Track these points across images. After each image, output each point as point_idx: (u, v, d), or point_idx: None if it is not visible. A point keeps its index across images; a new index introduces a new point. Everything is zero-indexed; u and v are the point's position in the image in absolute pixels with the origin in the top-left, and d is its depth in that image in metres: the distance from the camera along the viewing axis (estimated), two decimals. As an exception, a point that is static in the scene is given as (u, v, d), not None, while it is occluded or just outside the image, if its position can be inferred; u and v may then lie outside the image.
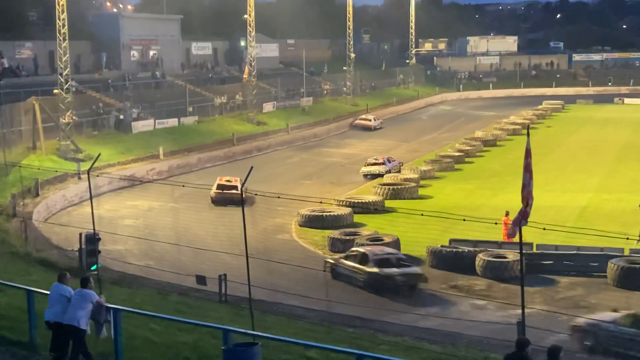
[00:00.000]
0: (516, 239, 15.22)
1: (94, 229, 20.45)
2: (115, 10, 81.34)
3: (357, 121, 69.22)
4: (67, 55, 45.37)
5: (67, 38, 44.93)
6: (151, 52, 68.27)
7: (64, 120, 44.93)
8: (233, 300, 21.29)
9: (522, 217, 14.30)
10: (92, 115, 50.47)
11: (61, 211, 35.59)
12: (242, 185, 17.04)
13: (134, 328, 13.72)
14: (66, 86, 45.50)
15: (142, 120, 52.92)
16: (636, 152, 51.86)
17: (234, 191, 35.30)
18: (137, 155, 46.76)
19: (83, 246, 23.84)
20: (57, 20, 44.48)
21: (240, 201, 17.51)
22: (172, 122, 55.22)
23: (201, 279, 22.22)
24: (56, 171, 36.31)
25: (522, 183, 14.50)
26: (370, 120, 68.99)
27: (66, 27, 44.70)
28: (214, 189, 36.91)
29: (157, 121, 53.69)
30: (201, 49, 78.00)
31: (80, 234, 24.12)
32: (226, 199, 35.55)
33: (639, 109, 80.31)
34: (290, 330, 17.34)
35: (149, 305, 18.23)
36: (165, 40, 69.94)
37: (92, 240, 21.78)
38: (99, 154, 26.02)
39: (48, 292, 12.36)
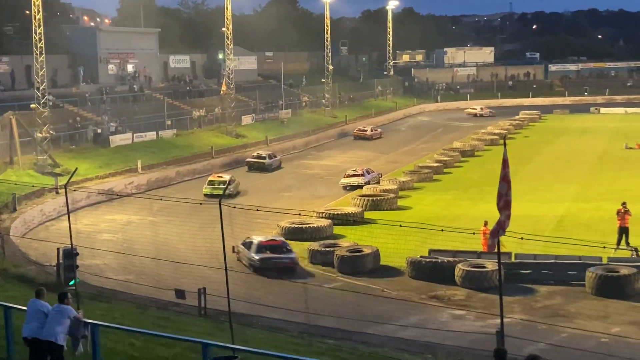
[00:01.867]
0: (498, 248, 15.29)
1: (71, 244, 20.32)
2: (92, 24, 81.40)
3: (355, 131, 70.38)
4: (44, 69, 45.20)
5: (44, 52, 44.77)
6: (129, 66, 68.10)
7: (41, 135, 44.68)
8: (212, 314, 21.22)
9: (500, 227, 14.33)
10: (70, 129, 50.24)
11: (39, 226, 35.35)
12: (221, 196, 17.03)
13: (113, 343, 13.66)
14: (43, 100, 45.29)
15: (120, 134, 52.73)
16: (613, 161, 52.36)
17: (222, 186, 39.64)
18: (115, 169, 46.55)
19: (61, 261, 23.63)
20: (34, 35, 44.32)
21: (230, 195, 17.64)
22: (151, 135, 55.07)
23: (180, 293, 22.14)
24: (33, 186, 36.05)
25: (499, 192, 14.52)
26: (367, 131, 70.02)
27: (43, 41, 44.55)
28: (205, 185, 41.68)
29: (135, 135, 53.52)
30: (179, 62, 77.92)
31: (58, 249, 23.91)
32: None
33: (615, 119, 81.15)
34: (270, 343, 17.30)
35: (128, 320, 18.13)
36: (143, 54, 69.81)
37: (70, 255, 21.60)
38: (77, 169, 25.87)
39: (25, 308, 12.28)
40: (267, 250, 27.83)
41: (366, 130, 70.27)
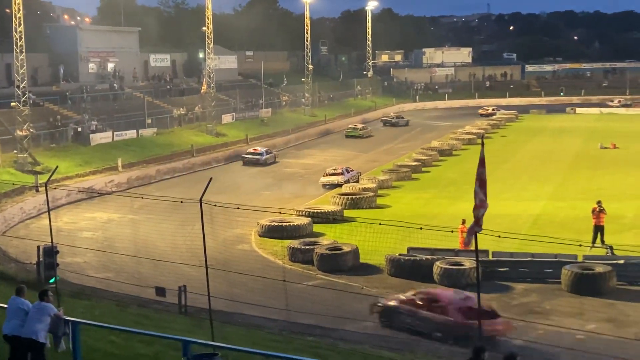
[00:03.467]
0: (472, 246, 15.48)
1: (52, 242, 20.31)
2: (72, 22, 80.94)
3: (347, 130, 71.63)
4: (25, 67, 45.01)
5: (24, 51, 44.58)
6: (109, 65, 67.85)
7: (21, 133, 44.50)
8: (193, 312, 21.29)
9: (476, 224, 14.55)
10: (50, 127, 50.05)
11: (19, 224, 35.25)
12: (202, 196, 17.16)
13: (93, 340, 13.68)
14: (23, 99, 45.10)
15: (101, 133, 52.61)
16: (588, 160, 52.91)
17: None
18: (96, 167, 46.48)
19: (41, 259, 23.66)
20: (14, 33, 44.10)
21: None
22: (131, 134, 54.97)
23: (161, 291, 22.18)
24: (13, 184, 35.92)
25: (474, 190, 14.74)
26: (358, 129, 71.16)
27: (23, 39, 44.36)
28: None
29: (115, 133, 53.41)
30: (159, 60, 77.78)
31: (38, 247, 23.91)
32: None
33: (590, 119, 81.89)
34: (250, 340, 17.42)
35: (108, 317, 18.16)
36: (124, 53, 69.58)
37: (50, 253, 21.61)
38: (57, 167, 25.80)
39: (5, 306, 12.30)
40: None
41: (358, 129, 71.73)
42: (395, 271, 26.40)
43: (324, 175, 45.63)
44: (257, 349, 12.92)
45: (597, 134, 64.66)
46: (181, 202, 25.63)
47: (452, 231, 22.42)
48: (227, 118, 67.28)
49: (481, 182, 14.50)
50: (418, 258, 26.44)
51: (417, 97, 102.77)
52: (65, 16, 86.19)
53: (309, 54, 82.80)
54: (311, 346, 17.72)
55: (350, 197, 38.57)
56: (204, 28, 64.75)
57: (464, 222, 26.53)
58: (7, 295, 13.08)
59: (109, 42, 68.43)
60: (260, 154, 54.66)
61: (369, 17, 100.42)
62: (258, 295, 23.62)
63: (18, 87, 45.01)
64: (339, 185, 43.27)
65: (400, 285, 25.32)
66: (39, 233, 28.29)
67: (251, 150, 55.81)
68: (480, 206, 14.32)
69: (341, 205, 37.56)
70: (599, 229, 28.67)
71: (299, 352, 15.61)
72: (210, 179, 16.46)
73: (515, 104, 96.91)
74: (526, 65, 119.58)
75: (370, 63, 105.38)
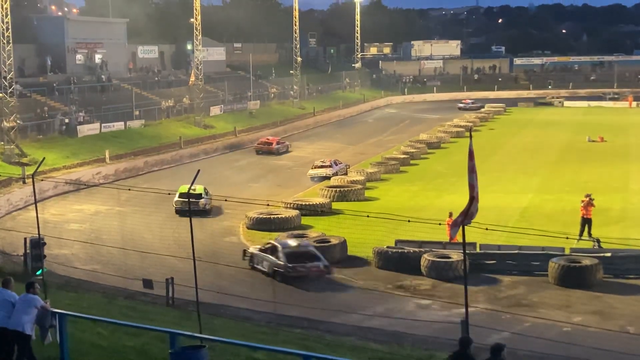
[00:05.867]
0: (460, 238, 15.48)
1: (39, 234, 20.28)
2: (60, 13, 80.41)
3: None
4: (11, 58, 44.75)
5: (11, 41, 44.32)
6: (97, 56, 67.54)
7: (8, 124, 44.26)
8: (180, 304, 21.30)
9: (465, 217, 14.52)
10: (37, 119, 49.79)
11: (6, 216, 35.08)
12: (189, 189, 17.15)
13: (81, 333, 13.68)
14: (10, 90, 44.85)
15: (88, 124, 52.41)
16: (575, 153, 53.11)
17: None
18: (83, 159, 46.31)
19: (28, 251, 23.58)
20: (1, 24, 43.83)
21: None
22: (119, 125, 54.76)
23: (148, 283, 22.18)
24: (0, 175, 35.77)
25: (470, 183, 14.70)
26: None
27: (10, 30, 44.08)
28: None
29: (103, 125, 53.20)
30: (147, 52, 77.48)
31: (25, 239, 23.86)
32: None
33: (578, 112, 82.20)
34: (237, 333, 17.45)
35: (95, 309, 18.13)
36: (111, 44, 69.26)
37: (37, 244, 21.55)
38: (44, 158, 25.76)
39: (-8, 298, 12.26)
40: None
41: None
42: (383, 264, 26.43)
43: (312, 168, 45.61)
44: (245, 341, 12.96)
45: (585, 127, 64.93)
46: (168, 194, 25.43)
47: (439, 224, 22.51)
48: (215, 110, 67.15)
49: (475, 175, 14.48)
50: (406, 250, 26.48)
51: (406, 89, 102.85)
52: (53, 7, 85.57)
53: (298, 46, 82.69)
54: (299, 338, 17.76)
55: (338, 189, 38.59)
56: (192, 19, 64.53)
57: (451, 214, 26.50)
58: (-6, 287, 13.02)
59: (96, 33, 68.05)
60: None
61: (357, 10, 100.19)
62: (245, 288, 23.65)
63: (5, 78, 44.74)
64: (327, 177, 43.27)
65: (388, 278, 25.41)
66: (25, 225, 28.25)
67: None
68: (475, 197, 14.29)
69: (329, 197, 37.57)
70: (586, 222, 28.74)
71: (286, 344, 15.63)
72: (198, 171, 16.43)
73: (504, 97, 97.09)
74: (514, 59, 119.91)
75: (359, 55, 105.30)
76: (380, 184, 42.94)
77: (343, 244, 27.78)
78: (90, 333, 14.07)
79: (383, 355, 16.92)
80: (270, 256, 25.53)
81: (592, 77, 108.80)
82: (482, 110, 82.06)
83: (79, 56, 65.98)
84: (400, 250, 26.58)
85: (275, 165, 51.61)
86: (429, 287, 24.57)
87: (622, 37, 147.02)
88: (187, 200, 34.69)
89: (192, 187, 16.39)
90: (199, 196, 34.19)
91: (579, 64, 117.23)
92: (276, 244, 25.98)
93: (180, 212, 33.75)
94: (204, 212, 34.18)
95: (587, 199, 28.94)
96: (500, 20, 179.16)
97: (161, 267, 24.06)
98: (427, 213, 29.32)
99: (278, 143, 56.52)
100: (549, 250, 25.55)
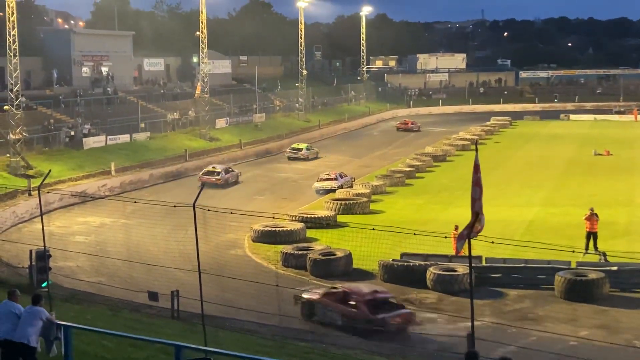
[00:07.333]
0: (466, 251, 15.45)
1: (44, 246, 20.27)
2: (66, 26, 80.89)
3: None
4: (18, 71, 44.95)
5: (17, 54, 44.53)
6: (103, 69, 67.81)
7: (14, 137, 44.40)
8: (185, 317, 21.24)
9: (472, 231, 14.48)
10: (43, 131, 49.92)
11: (11, 228, 35.13)
12: (195, 201, 17.15)
13: (86, 345, 13.67)
14: (16, 102, 45.02)
15: (94, 137, 52.51)
16: (581, 166, 53.04)
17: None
18: (89, 171, 46.37)
19: (33, 263, 23.60)
20: (8, 36, 44.05)
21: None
22: (124, 138, 54.88)
23: (153, 295, 22.12)
24: (6, 187, 35.88)
25: (472, 197, 14.69)
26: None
27: (17, 43, 44.31)
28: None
29: (108, 137, 53.31)
30: (153, 65, 77.73)
31: (31, 251, 23.87)
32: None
33: (583, 125, 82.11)
34: (242, 346, 17.41)
35: (101, 322, 18.14)
36: (117, 57, 69.54)
37: (43, 257, 21.57)
38: (50, 170, 25.83)
39: (-3, 310, 12.26)
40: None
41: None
42: (389, 277, 26.39)
43: (317, 181, 45.61)
44: (250, 354, 12.91)
45: (591, 141, 64.85)
46: (174, 206, 25.53)
47: (445, 237, 22.48)
48: (220, 123, 67.26)
49: (480, 188, 14.47)
50: (411, 264, 26.44)
51: (411, 102, 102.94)
52: (59, 20, 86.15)
53: (303, 59, 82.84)
54: (303, 351, 17.71)
55: (343, 202, 38.56)
56: (198, 32, 64.79)
57: (456, 227, 26.54)
58: (0, 299, 13.04)
59: (102, 46, 68.37)
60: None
61: (363, 23, 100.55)
62: (251, 300, 23.57)
63: (11, 90, 44.93)
64: (333, 190, 43.25)
65: (394, 291, 25.28)
66: (31, 237, 28.21)
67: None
68: (479, 211, 14.28)
69: (334, 210, 37.55)
70: (592, 235, 28.74)
71: (291, 357, 15.62)
72: (203, 185, 16.43)
73: (509, 110, 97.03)
74: (520, 72, 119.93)
75: (364, 68, 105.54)
76: (385, 197, 42.90)
77: (348, 257, 27.74)
78: (96, 345, 14.05)
79: (388, 368, 16.86)
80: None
81: (598, 91, 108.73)
82: (488, 123, 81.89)
83: (85, 69, 66.26)
84: (405, 264, 26.53)
85: (280, 178, 51.63)
86: (434, 301, 24.51)
87: (628, 51, 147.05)
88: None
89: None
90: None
91: (585, 77, 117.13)
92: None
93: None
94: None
95: (589, 212, 29.02)
96: (505, 34, 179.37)
97: (166, 279, 24.02)
98: (432, 226, 29.29)
99: (307, 149, 59.73)
100: (555, 264, 25.44)
